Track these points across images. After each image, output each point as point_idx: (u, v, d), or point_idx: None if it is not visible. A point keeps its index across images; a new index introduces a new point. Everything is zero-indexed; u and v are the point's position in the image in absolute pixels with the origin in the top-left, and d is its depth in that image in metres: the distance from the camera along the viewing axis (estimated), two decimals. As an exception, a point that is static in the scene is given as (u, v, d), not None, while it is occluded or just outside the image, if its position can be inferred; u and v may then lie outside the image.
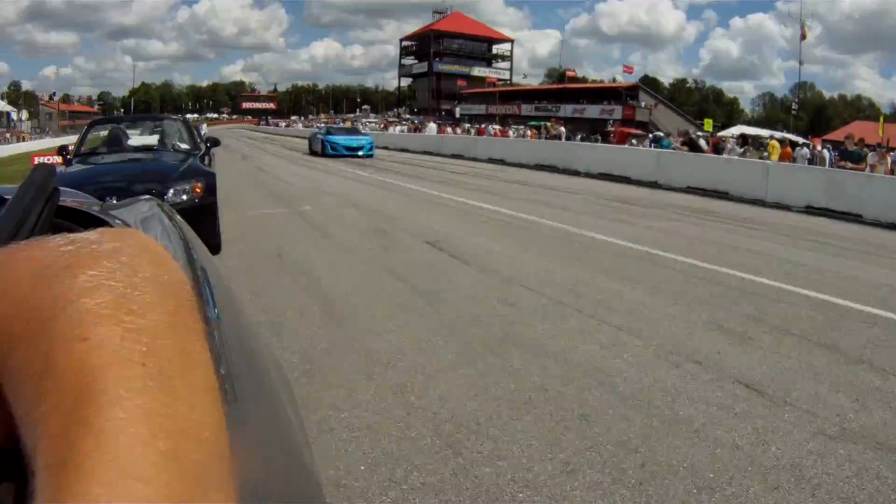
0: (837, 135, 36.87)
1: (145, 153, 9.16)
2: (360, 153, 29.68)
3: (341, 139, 30.85)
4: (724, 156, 21.79)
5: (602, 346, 4.96)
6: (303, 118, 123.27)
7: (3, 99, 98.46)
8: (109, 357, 0.31)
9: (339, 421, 3.71)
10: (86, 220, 1.32)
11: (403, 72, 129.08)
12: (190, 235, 1.65)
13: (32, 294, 0.34)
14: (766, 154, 22.12)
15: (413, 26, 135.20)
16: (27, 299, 0.34)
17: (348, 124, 52.52)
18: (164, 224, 1.63)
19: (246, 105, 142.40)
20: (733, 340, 5.17)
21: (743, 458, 3.34)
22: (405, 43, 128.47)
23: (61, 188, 1.51)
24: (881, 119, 42.50)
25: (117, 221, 1.35)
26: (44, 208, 0.86)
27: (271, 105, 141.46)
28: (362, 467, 3.24)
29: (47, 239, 0.38)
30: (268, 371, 1.34)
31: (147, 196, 2.12)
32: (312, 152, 32.12)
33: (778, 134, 38.60)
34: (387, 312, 5.76)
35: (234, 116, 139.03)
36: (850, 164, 16.59)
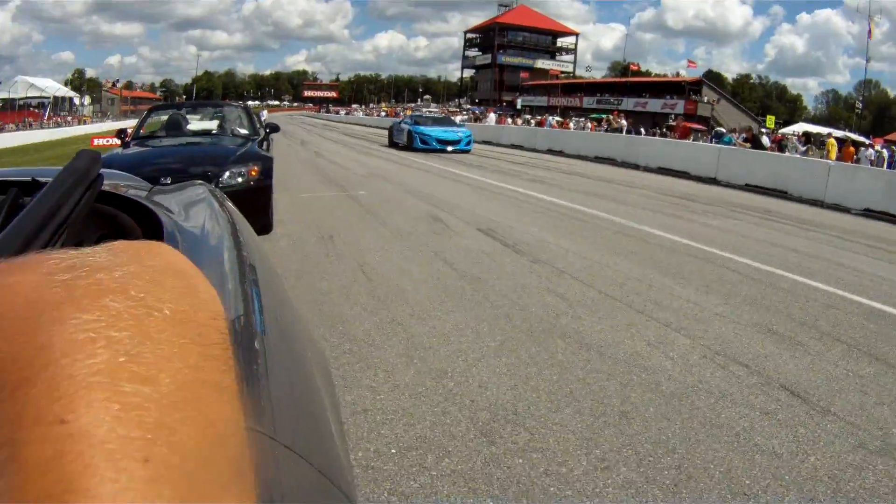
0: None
1: (204, 137, 9.29)
2: (451, 148, 25.11)
3: (434, 131, 25.78)
4: (786, 154, 21.38)
5: (649, 343, 4.90)
6: (363, 107, 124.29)
7: (67, 85, 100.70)
8: (94, 451, 0.23)
9: (374, 402, 3.74)
10: (129, 206, 1.34)
11: (467, 63, 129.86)
12: (239, 220, 1.65)
13: (11, 341, 0.26)
14: (825, 153, 21.76)
15: (478, 18, 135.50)
16: (1, 348, 0.26)
17: (409, 112, 48.43)
18: (214, 209, 1.64)
19: (307, 93, 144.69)
20: (782, 344, 5.06)
21: (781, 466, 3.28)
22: (470, 35, 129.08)
23: (110, 170, 1.54)
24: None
25: (161, 207, 1.36)
26: (83, 195, 0.86)
27: (332, 93, 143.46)
28: (394, 451, 3.25)
29: (47, 256, 0.30)
30: (306, 356, 1.34)
31: (199, 181, 2.14)
32: (393, 144, 27.77)
33: (839, 133, 37.82)
34: (433, 297, 5.78)
35: (296, 104, 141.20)
36: None
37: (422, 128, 26.01)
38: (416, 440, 3.34)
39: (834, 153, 21.71)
